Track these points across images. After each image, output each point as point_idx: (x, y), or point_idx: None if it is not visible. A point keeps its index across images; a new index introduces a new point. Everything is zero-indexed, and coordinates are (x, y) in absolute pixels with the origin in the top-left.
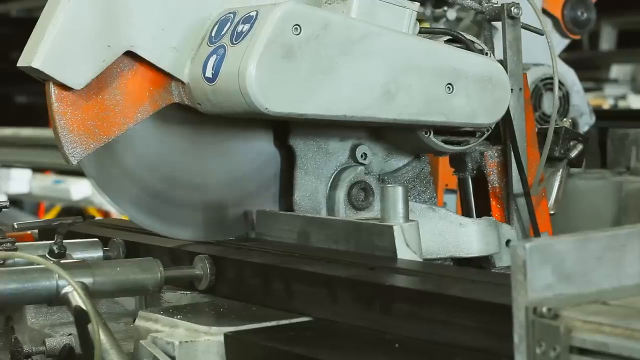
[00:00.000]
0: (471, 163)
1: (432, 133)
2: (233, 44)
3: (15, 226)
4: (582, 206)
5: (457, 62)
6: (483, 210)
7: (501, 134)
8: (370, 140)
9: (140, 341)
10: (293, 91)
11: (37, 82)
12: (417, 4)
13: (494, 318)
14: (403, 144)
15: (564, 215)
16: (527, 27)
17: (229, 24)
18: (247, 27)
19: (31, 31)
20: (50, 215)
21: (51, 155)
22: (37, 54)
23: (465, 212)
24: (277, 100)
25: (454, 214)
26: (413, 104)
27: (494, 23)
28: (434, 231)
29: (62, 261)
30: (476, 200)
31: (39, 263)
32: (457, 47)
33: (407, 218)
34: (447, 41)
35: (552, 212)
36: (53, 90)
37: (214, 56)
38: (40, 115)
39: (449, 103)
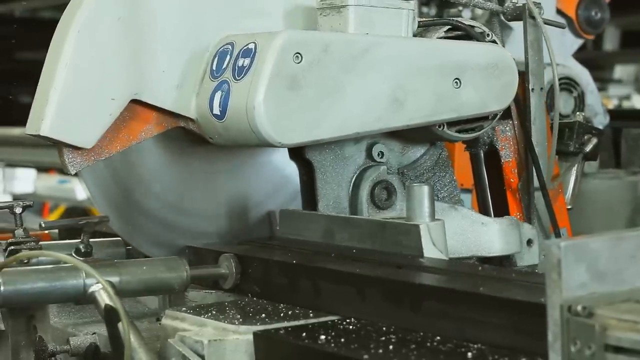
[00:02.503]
0: (483, 138)
1: (445, 126)
2: (236, 79)
3: (42, 225)
4: (597, 206)
5: (460, 56)
6: (496, 187)
7: (511, 109)
8: (385, 138)
9: (169, 340)
10: (303, 120)
11: None
12: (413, 2)
13: (526, 317)
14: (417, 137)
15: (578, 215)
16: (548, 22)
17: (228, 56)
18: (247, 61)
19: (35, 31)
20: (55, 216)
21: (56, 155)
22: (43, 122)
23: (479, 188)
24: (289, 132)
25: (476, 213)
26: (423, 107)
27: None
28: (456, 230)
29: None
30: (489, 178)
31: (69, 262)
32: (458, 35)
33: (433, 217)
34: (448, 31)
35: (569, 207)
36: None
37: (219, 92)
38: None
39: (459, 98)
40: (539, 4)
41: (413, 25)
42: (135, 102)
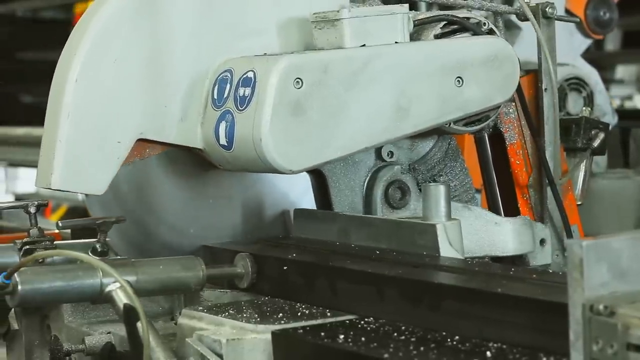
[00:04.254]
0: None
1: (451, 122)
2: (239, 110)
3: (60, 224)
4: (605, 205)
5: (459, 54)
6: (502, 171)
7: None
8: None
9: (187, 339)
10: (311, 144)
11: (42, 82)
12: (406, 5)
13: (547, 316)
14: (425, 133)
15: (587, 215)
16: (561, 18)
17: (228, 85)
18: (248, 90)
19: (36, 31)
20: (56, 216)
21: None
22: (53, 175)
23: (484, 172)
24: (298, 159)
25: (489, 212)
26: (428, 111)
27: (518, 23)
28: (470, 230)
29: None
30: (495, 162)
31: (88, 261)
32: (455, 29)
33: (449, 216)
34: (444, 26)
35: (579, 203)
36: None
37: (224, 122)
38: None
39: (462, 96)
40: (552, 3)
41: (409, 27)
42: (141, 140)
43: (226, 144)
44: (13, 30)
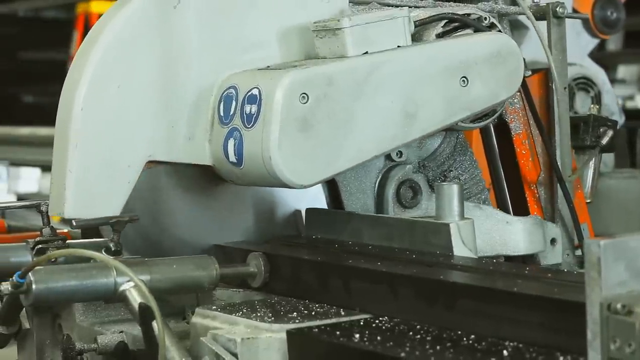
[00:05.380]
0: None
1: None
2: (247, 127)
3: (74, 223)
4: (612, 205)
5: (462, 54)
6: (509, 166)
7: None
8: None
9: (201, 338)
10: (320, 158)
11: (43, 81)
12: (406, 8)
13: (564, 315)
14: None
15: (594, 214)
16: (570, 16)
17: (234, 102)
18: (254, 108)
19: (38, 31)
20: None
21: None
22: (65, 205)
23: (491, 164)
24: (308, 174)
25: (501, 212)
26: (435, 114)
27: (524, 22)
28: (481, 229)
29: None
30: (502, 157)
31: (104, 261)
32: (456, 26)
33: (462, 216)
34: (445, 25)
35: (588, 201)
36: None
37: (232, 140)
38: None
39: (468, 95)
40: (563, 3)
41: (410, 29)
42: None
43: (236, 161)
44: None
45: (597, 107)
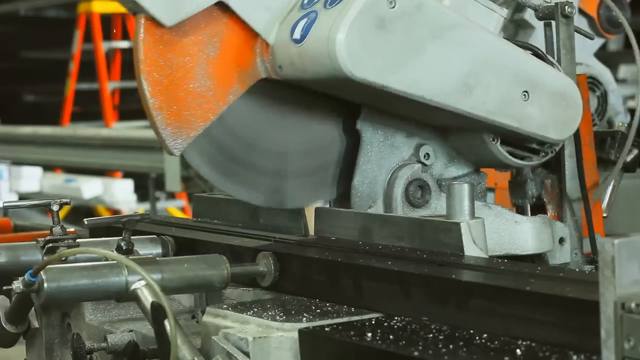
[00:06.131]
0: (531, 190)
1: (499, 141)
2: (326, 8)
3: (86, 222)
4: (620, 206)
5: (536, 72)
6: None
7: (561, 160)
8: (435, 142)
9: (213, 337)
10: (380, 61)
11: (45, 81)
12: (506, 10)
13: (578, 314)
14: (467, 151)
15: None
16: (577, 31)
17: None
18: None
19: (39, 30)
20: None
21: (62, 153)
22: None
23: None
24: (363, 66)
25: (509, 211)
26: (489, 102)
27: (531, 22)
28: (490, 228)
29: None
30: None
31: (116, 260)
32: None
33: (473, 215)
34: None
35: (604, 215)
36: (147, 87)
37: (305, 19)
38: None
39: (523, 109)
40: (571, 3)
41: (498, 28)
42: (217, 64)
43: (299, 38)
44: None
45: (626, 125)
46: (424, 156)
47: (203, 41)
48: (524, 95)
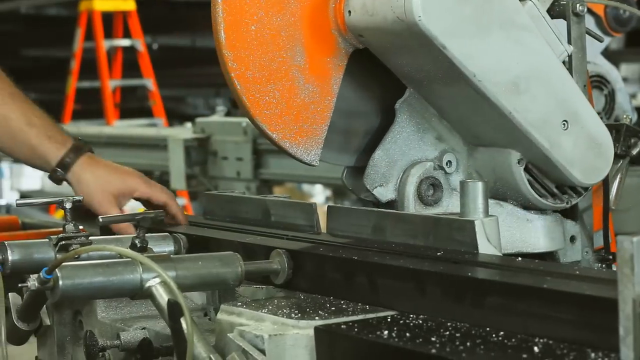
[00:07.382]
0: None
1: (524, 165)
2: None
3: (100, 220)
4: (627, 203)
5: (581, 109)
6: None
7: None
8: (460, 154)
9: (228, 335)
10: (449, 20)
11: (46, 80)
12: (572, 48)
13: (595, 312)
14: (487, 172)
15: None
16: (588, 32)
17: None
18: None
19: (40, 28)
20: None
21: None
22: None
23: None
24: (432, 18)
25: (521, 209)
26: (531, 112)
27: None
28: (502, 227)
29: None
30: None
31: (132, 257)
32: None
33: (487, 213)
34: None
35: (612, 208)
36: (265, 127)
37: None
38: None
39: (558, 137)
40: (583, 1)
41: (564, 57)
42: (309, 66)
43: None
44: (17, 28)
45: (630, 117)
46: (447, 163)
47: (291, 56)
48: (564, 124)
